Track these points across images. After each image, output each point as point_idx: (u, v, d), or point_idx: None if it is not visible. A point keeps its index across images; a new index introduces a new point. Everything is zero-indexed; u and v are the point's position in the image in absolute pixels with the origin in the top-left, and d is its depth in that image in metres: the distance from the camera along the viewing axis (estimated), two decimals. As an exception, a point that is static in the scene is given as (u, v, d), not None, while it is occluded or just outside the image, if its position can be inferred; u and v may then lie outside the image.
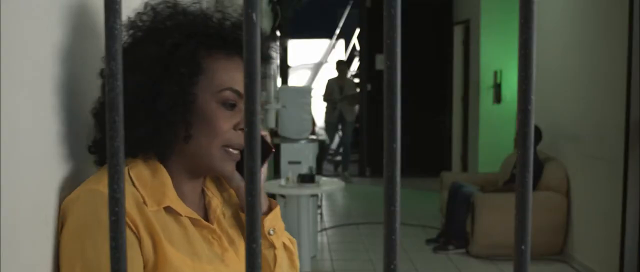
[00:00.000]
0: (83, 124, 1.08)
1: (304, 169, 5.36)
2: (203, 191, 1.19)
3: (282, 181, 4.97)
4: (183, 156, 1.09)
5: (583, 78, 5.27)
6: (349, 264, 5.60)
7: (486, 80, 7.84)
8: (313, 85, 11.74)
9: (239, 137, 1.09)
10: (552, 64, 5.82)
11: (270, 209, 1.22)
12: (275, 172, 6.31)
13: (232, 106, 1.09)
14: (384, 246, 0.39)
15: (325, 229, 6.63)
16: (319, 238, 6.08)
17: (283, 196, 5.19)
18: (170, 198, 1.06)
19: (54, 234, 0.98)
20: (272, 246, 1.19)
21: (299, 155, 5.80)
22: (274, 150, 1.19)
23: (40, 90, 0.94)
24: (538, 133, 5.64)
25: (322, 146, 10.96)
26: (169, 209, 1.06)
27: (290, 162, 5.74)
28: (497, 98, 7.78)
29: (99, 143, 1.09)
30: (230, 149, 1.09)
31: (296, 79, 12.24)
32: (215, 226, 1.14)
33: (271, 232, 1.19)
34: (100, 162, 1.11)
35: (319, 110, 11.23)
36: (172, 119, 1.04)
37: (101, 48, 1.16)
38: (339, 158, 11.23)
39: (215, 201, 1.18)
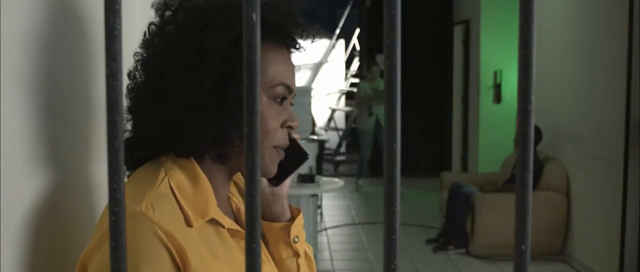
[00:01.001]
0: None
1: (304, 169, 5.36)
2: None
3: (282, 181, 4.96)
4: (229, 158, 1.01)
5: (583, 78, 5.27)
6: (349, 264, 5.60)
7: (486, 80, 7.84)
8: (313, 85, 11.74)
9: (285, 136, 1.04)
10: (552, 64, 5.82)
11: (293, 217, 1.16)
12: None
13: (281, 103, 1.03)
14: (384, 246, 0.39)
15: (325, 229, 6.63)
16: (319, 238, 6.08)
17: (283, 196, 5.19)
18: (214, 209, 0.98)
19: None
20: (296, 254, 1.13)
21: (299, 155, 5.79)
22: (308, 156, 1.13)
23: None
24: (538, 133, 5.64)
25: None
26: (211, 221, 0.97)
27: (290, 162, 5.73)
28: (497, 98, 7.78)
29: (128, 143, 1.01)
30: (278, 149, 1.03)
31: (296, 79, 12.23)
32: None
33: (296, 240, 1.13)
34: (131, 169, 1.02)
35: (318, 110, 11.23)
36: (237, 116, 0.96)
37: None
38: (338, 158, 11.23)
39: (243, 208, 1.10)
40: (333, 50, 12.88)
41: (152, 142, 0.99)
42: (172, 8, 1.01)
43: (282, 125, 1.02)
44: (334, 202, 8.00)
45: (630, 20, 4.40)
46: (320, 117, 11.32)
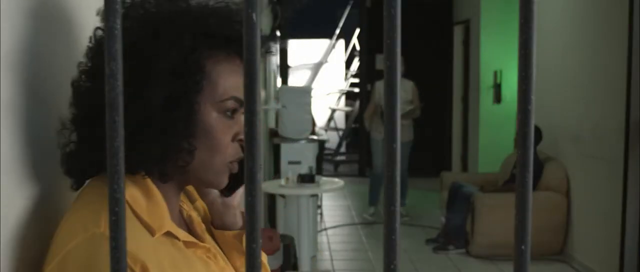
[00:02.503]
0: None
1: (304, 169, 5.36)
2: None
3: (282, 181, 4.97)
4: (179, 172, 0.97)
5: (583, 78, 5.27)
6: (349, 264, 5.61)
7: (486, 80, 7.84)
8: (313, 85, 11.75)
9: (237, 150, 0.99)
10: (552, 64, 5.82)
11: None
12: (275, 172, 6.31)
13: (231, 116, 0.98)
14: (384, 246, 0.39)
15: (325, 229, 6.63)
16: (319, 238, 6.08)
17: (283, 196, 5.19)
18: (168, 222, 0.94)
19: None
20: None
21: (299, 155, 5.81)
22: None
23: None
24: (538, 133, 5.64)
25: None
26: (167, 234, 0.94)
27: (290, 162, 5.74)
28: (497, 98, 7.78)
29: (76, 156, 0.94)
30: (233, 163, 0.99)
31: (296, 79, 12.24)
32: (208, 245, 1.03)
33: None
34: (78, 183, 0.96)
35: (318, 110, 11.23)
36: (184, 133, 0.93)
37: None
38: (338, 158, 11.24)
39: (194, 215, 1.08)
40: (333, 50, 12.88)
41: (96, 158, 0.92)
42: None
43: (233, 140, 0.98)
44: (334, 202, 8.00)
45: (630, 20, 4.40)
46: (320, 117, 11.32)
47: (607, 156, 4.83)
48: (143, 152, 0.91)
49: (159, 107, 0.90)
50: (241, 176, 1.05)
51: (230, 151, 0.98)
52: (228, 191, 1.08)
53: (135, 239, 0.86)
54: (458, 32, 8.76)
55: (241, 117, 1.00)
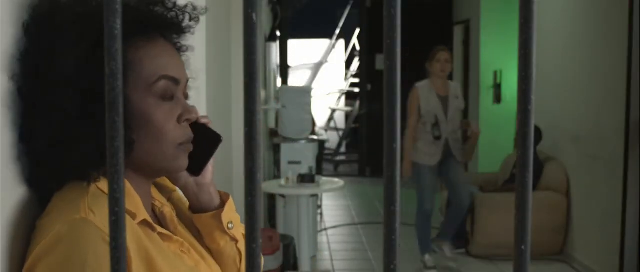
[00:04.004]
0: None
1: (304, 169, 5.36)
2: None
3: (282, 181, 4.97)
4: (130, 165, 0.94)
5: (583, 78, 5.27)
6: (349, 264, 5.61)
7: (486, 80, 7.84)
8: (313, 85, 11.75)
9: (186, 130, 0.97)
10: (552, 64, 5.82)
11: (223, 203, 1.10)
12: (275, 172, 6.31)
13: (170, 98, 0.95)
14: (383, 246, 0.39)
15: (325, 229, 6.63)
16: (319, 238, 6.08)
17: (283, 196, 5.19)
18: (143, 212, 0.93)
19: None
20: (234, 239, 1.08)
21: (299, 155, 5.81)
22: (222, 139, 1.05)
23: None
24: (538, 133, 5.64)
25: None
26: (142, 223, 0.92)
27: (290, 162, 5.74)
28: (497, 98, 7.78)
29: (47, 167, 0.91)
30: (182, 145, 0.97)
31: (296, 79, 12.24)
32: (181, 238, 1.02)
33: (230, 225, 1.08)
34: (42, 195, 0.93)
35: (318, 110, 11.23)
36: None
37: None
38: (338, 158, 11.23)
39: (167, 209, 1.06)
40: (333, 50, 12.88)
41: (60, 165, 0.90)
42: (26, 22, 0.91)
43: (179, 121, 0.96)
44: (334, 202, 8.00)
45: (630, 20, 4.40)
46: (320, 117, 11.32)
47: (607, 156, 4.83)
48: (79, 159, 0.88)
49: (77, 107, 0.87)
50: (205, 151, 1.04)
51: (178, 133, 0.96)
52: (196, 169, 1.06)
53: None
54: (458, 32, 8.76)
55: (182, 98, 0.99)
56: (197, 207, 1.10)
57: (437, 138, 4.90)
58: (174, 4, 0.99)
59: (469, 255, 5.63)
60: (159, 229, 0.96)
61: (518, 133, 0.39)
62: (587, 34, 5.21)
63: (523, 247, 0.39)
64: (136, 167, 0.96)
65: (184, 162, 0.98)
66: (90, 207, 0.86)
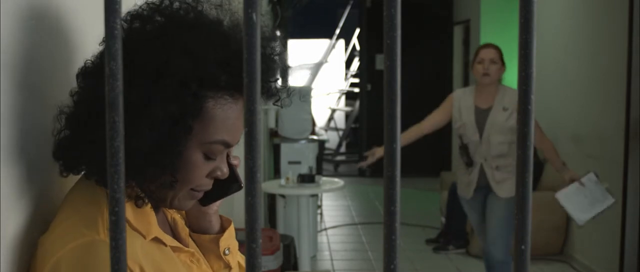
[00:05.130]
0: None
1: (304, 169, 5.36)
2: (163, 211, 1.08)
3: (282, 181, 4.97)
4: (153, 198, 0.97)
5: (583, 78, 5.27)
6: (349, 264, 5.60)
7: (486, 80, 7.83)
8: (313, 85, 11.75)
9: (209, 183, 0.98)
10: (552, 63, 5.82)
11: (223, 229, 1.11)
12: (275, 172, 6.31)
13: (214, 158, 0.96)
14: (383, 246, 0.39)
15: (325, 229, 6.63)
16: (319, 238, 6.08)
17: (283, 196, 5.19)
18: (155, 228, 0.94)
19: None
20: (228, 266, 1.09)
21: (299, 155, 5.81)
22: (242, 187, 1.03)
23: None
24: (538, 133, 5.63)
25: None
26: (154, 239, 0.94)
27: (290, 162, 5.74)
28: (497, 98, 7.78)
29: (67, 144, 0.92)
30: (196, 192, 0.98)
31: (296, 79, 12.24)
32: (192, 249, 1.03)
33: (227, 252, 1.09)
34: (66, 169, 0.93)
35: (318, 110, 11.22)
36: (167, 170, 0.91)
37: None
38: (338, 158, 11.23)
39: (178, 218, 1.08)
40: (333, 50, 12.88)
41: (90, 148, 0.89)
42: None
43: (207, 176, 0.96)
44: (334, 202, 8.00)
45: (630, 20, 4.40)
46: (320, 117, 11.32)
47: (607, 156, 4.83)
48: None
49: (146, 146, 0.87)
50: (221, 190, 1.04)
51: (200, 183, 0.96)
52: (205, 202, 1.07)
53: (130, 241, 0.84)
54: (458, 32, 8.76)
55: (224, 156, 0.99)
56: (196, 229, 1.11)
57: (467, 164, 3.84)
58: (280, 66, 0.98)
59: (469, 255, 5.63)
60: (170, 242, 0.96)
61: (518, 133, 0.39)
62: (587, 34, 5.21)
63: (523, 247, 0.39)
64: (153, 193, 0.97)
65: (187, 205, 0.99)
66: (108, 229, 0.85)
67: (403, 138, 3.91)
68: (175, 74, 0.87)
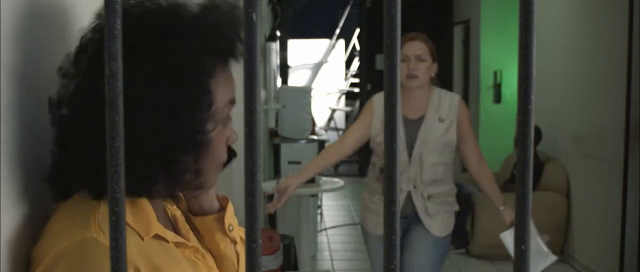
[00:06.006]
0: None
1: (304, 169, 5.35)
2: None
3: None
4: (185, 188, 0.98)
5: (583, 78, 5.27)
6: (349, 264, 5.60)
7: (486, 80, 7.84)
8: (313, 85, 11.75)
9: (226, 151, 1.00)
10: (552, 64, 5.82)
11: (222, 207, 1.12)
12: (275, 172, 6.31)
13: (227, 121, 0.98)
14: (383, 246, 0.39)
15: (325, 229, 6.63)
16: (319, 238, 6.08)
17: (283, 196, 5.18)
18: (155, 225, 0.93)
19: None
20: (233, 241, 1.10)
21: (299, 155, 5.80)
22: (236, 155, 1.05)
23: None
24: (538, 133, 5.64)
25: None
26: (155, 236, 0.92)
27: (290, 162, 5.73)
28: (497, 98, 7.78)
29: (61, 167, 0.89)
30: (221, 165, 1.00)
31: (296, 79, 12.24)
32: (195, 244, 1.03)
33: (231, 228, 1.10)
34: (58, 195, 0.91)
35: (318, 110, 11.22)
36: (190, 159, 0.91)
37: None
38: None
39: (178, 214, 1.07)
40: (333, 50, 12.88)
41: (81, 173, 0.88)
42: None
43: (226, 143, 0.99)
44: (334, 202, 8.00)
45: (630, 20, 4.40)
46: (320, 117, 11.32)
47: (607, 156, 4.83)
48: (149, 181, 0.90)
49: (168, 142, 0.87)
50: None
51: (224, 156, 0.99)
52: None
53: (130, 244, 0.84)
54: (458, 32, 8.76)
55: (230, 121, 1.00)
56: (197, 211, 1.11)
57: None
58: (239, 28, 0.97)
59: (469, 255, 5.63)
60: (172, 238, 0.96)
61: (518, 133, 0.39)
62: (587, 34, 5.21)
63: (523, 247, 0.39)
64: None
65: (216, 180, 1.01)
66: (100, 227, 0.84)
67: (320, 163, 3.26)
68: (178, 60, 0.87)
